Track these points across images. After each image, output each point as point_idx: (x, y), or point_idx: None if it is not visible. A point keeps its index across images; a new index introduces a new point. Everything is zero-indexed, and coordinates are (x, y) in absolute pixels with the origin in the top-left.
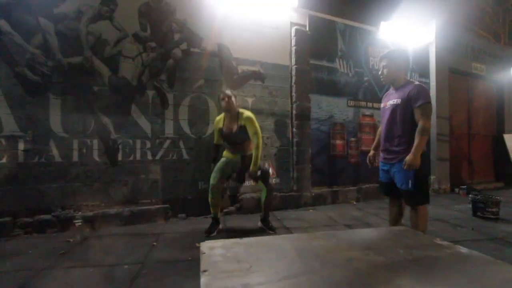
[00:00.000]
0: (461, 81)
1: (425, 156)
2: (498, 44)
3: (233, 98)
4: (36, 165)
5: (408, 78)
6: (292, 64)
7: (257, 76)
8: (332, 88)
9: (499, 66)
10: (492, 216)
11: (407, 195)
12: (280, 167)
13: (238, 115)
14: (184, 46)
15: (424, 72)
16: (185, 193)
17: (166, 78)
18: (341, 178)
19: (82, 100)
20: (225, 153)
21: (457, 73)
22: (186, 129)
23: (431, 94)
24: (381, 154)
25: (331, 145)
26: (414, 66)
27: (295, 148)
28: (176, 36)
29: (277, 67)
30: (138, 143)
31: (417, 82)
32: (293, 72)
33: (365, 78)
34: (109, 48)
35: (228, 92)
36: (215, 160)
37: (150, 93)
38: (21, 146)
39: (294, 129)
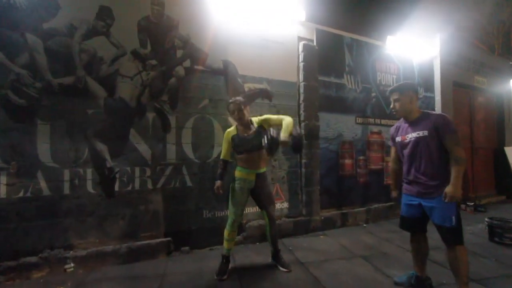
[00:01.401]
0: (463, 95)
1: None
2: (496, 56)
3: (243, 106)
4: (21, 200)
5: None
6: (300, 81)
7: (264, 94)
8: (340, 105)
9: (498, 79)
10: (510, 242)
11: (450, 232)
12: (288, 191)
13: (251, 122)
14: (187, 63)
15: (429, 86)
16: (189, 223)
17: (168, 98)
18: (350, 198)
19: (74, 125)
20: (238, 173)
21: (460, 86)
22: (190, 153)
23: (436, 109)
24: (406, 187)
25: (340, 164)
26: (419, 80)
27: (303, 170)
28: (179, 53)
29: (284, 84)
30: (137, 171)
31: (436, 112)
32: (301, 90)
33: (373, 94)
34: (105, 67)
35: (239, 99)
36: (222, 177)
37: (151, 115)
38: (3, 179)
39: (303, 150)
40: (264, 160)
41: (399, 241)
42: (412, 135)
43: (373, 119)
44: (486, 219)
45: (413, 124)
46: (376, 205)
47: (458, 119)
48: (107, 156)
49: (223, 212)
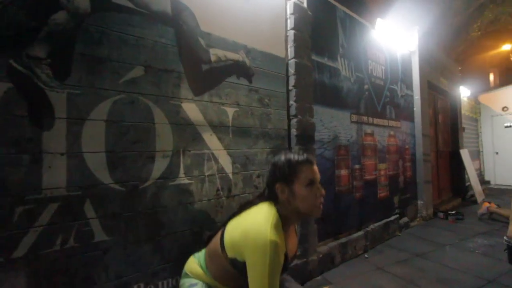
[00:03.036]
0: (431, 96)
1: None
2: (451, 60)
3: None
4: None
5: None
6: (289, 57)
7: (242, 70)
8: (335, 97)
9: (453, 81)
10: None
11: None
12: None
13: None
14: None
15: (409, 84)
16: None
17: (47, 54)
18: (347, 221)
19: None
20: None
21: (431, 87)
22: (102, 173)
23: (415, 110)
24: None
25: (336, 177)
26: (402, 75)
27: None
28: None
29: (269, 58)
30: None
31: None
32: (291, 69)
33: (366, 86)
34: None
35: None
36: None
37: (2, 87)
38: None
39: None
40: None
41: (424, 279)
42: None
43: (366, 118)
44: (505, 238)
45: None
46: (372, 226)
47: (426, 121)
48: None
49: None
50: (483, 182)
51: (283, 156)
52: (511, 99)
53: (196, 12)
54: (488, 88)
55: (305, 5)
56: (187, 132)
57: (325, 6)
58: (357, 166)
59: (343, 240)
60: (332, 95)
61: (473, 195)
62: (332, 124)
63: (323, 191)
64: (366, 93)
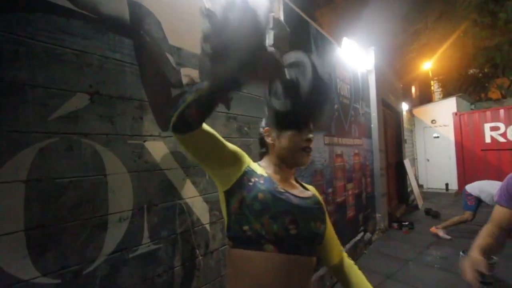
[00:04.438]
0: (383, 112)
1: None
2: (396, 77)
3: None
4: None
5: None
6: None
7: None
8: None
9: (397, 97)
10: (492, 281)
11: None
12: None
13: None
14: None
15: (367, 101)
16: None
17: None
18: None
19: None
20: None
21: (384, 104)
22: (18, 265)
23: (372, 126)
24: None
25: None
26: (362, 93)
27: None
28: None
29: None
30: None
31: None
32: None
33: (336, 106)
34: None
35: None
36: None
37: None
38: None
39: None
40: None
41: None
42: None
43: (336, 138)
44: (461, 253)
45: None
46: (344, 249)
47: (382, 137)
48: None
49: None
50: (418, 186)
51: None
52: (437, 113)
53: (162, 21)
54: (416, 103)
55: (282, 19)
56: (153, 181)
57: (300, 22)
58: (330, 190)
59: (320, 272)
60: None
61: (414, 200)
62: None
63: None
64: (336, 113)
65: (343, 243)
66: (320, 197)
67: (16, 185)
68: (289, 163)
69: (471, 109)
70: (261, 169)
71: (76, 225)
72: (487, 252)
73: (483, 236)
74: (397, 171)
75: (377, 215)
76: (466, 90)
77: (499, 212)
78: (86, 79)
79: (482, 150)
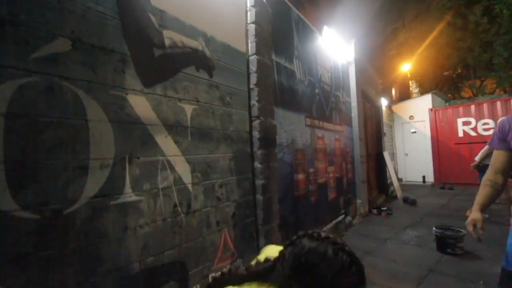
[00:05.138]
0: (363, 104)
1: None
2: (376, 72)
3: None
4: None
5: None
6: (250, 53)
7: (201, 61)
8: (292, 100)
9: (377, 92)
10: (462, 252)
11: None
12: (241, 237)
13: None
14: None
15: (347, 91)
16: None
17: None
18: (305, 226)
19: None
20: None
21: (363, 96)
22: None
23: (352, 115)
24: None
25: (294, 182)
26: (342, 83)
27: (260, 197)
28: None
29: (229, 51)
30: None
31: None
32: (253, 66)
33: (316, 91)
34: None
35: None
36: None
37: None
38: None
39: (258, 164)
40: None
41: (380, 274)
42: None
43: (318, 121)
44: (434, 229)
45: None
46: (325, 228)
47: (362, 126)
48: None
49: None
50: (398, 179)
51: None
52: (415, 110)
53: None
54: (393, 101)
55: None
56: (134, 134)
57: (282, 6)
58: (311, 170)
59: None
60: (289, 97)
61: (393, 191)
62: (290, 127)
63: None
64: (317, 97)
65: (325, 224)
66: None
67: None
68: None
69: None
70: None
71: (56, 165)
72: (486, 205)
73: (481, 192)
74: (377, 162)
75: (358, 201)
76: (441, 89)
77: (493, 156)
78: (68, 24)
79: (455, 144)
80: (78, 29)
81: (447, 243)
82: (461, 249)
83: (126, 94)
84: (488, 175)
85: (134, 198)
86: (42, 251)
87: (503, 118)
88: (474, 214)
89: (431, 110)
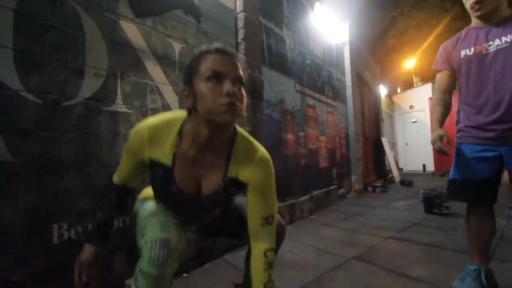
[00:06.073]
0: (359, 87)
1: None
2: (374, 59)
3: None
4: None
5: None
6: (238, 11)
7: (189, 5)
8: (281, 63)
9: (374, 78)
10: (447, 211)
11: None
12: None
13: (234, 142)
14: None
15: (342, 70)
16: None
17: None
18: (294, 185)
19: None
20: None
21: (359, 78)
22: (6, 74)
23: (347, 94)
24: (473, 132)
25: (283, 140)
26: (336, 61)
27: None
28: None
29: (217, 5)
30: None
31: None
32: (240, 23)
33: (307, 62)
34: None
35: (234, 53)
36: (104, 237)
37: None
38: None
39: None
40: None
41: (363, 228)
42: (500, 42)
43: (308, 90)
44: (421, 192)
45: (500, 25)
46: (316, 192)
47: (356, 104)
48: None
49: None
50: (398, 169)
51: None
52: (415, 99)
53: None
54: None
55: None
56: (126, 55)
57: None
58: (301, 134)
59: (291, 202)
60: (279, 61)
61: (392, 177)
62: (279, 88)
63: (232, 88)
64: (308, 68)
65: (316, 188)
66: (256, 172)
67: (6, 12)
68: (211, 121)
69: None
70: (170, 148)
71: (57, 63)
72: (443, 121)
73: (437, 110)
74: (375, 147)
75: (352, 177)
76: None
77: (438, 78)
78: None
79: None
80: None
81: (433, 203)
82: (447, 208)
83: (119, 19)
84: (438, 95)
85: (125, 110)
86: (42, 131)
87: (445, 42)
88: (437, 130)
89: (431, 99)
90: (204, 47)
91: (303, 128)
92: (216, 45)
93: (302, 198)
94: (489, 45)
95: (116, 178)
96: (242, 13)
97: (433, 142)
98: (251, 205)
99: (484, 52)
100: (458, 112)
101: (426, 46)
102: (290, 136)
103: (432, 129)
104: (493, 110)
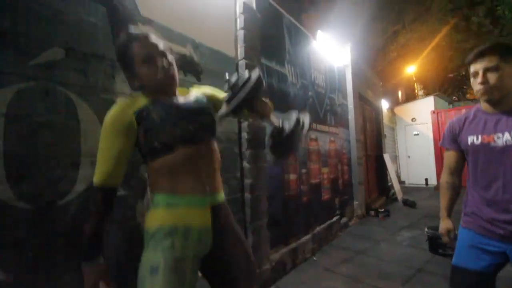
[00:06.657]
0: (361, 106)
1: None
2: (375, 75)
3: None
4: None
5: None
6: (239, 58)
7: (190, 66)
8: (283, 101)
9: (376, 94)
10: (452, 252)
11: None
12: None
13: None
14: None
15: (344, 94)
16: None
17: None
18: (296, 225)
19: None
20: (160, 214)
21: (361, 98)
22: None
23: (349, 117)
24: (480, 223)
25: (285, 181)
26: (338, 85)
27: (248, 196)
28: None
29: (218, 57)
30: None
31: None
32: (241, 70)
33: (310, 93)
34: None
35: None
36: (98, 249)
37: None
38: None
39: (246, 163)
40: (219, 168)
41: (367, 276)
42: (510, 137)
43: (311, 123)
44: (426, 230)
45: (510, 115)
46: (318, 228)
47: (359, 128)
48: None
49: None
50: (400, 182)
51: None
52: (417, 112)
53: None
54: (396, 103)
55: (254, 6)
56: None
57: (273, 12)
58: (304, 171)
59: (293, 245)
60: (280, 100)
61: (394, 193)
62: None
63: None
64: (310, 99)
65: (318, 224)
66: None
67: None
68: (160, 87)
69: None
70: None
71: (51, 161)
72: (451, 208)
73: (444, 196)
74: (377, 164)
75: (355, 202)
76: (445, 91)
77: (446, 156)
78: (62, 35)
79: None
80: (72, 39)
81: (438, 243)
82: (452, 249)
83: (116, 97)
84: (445, 177)
85: (122, 192)
86: (34, 238)
87: (453, 119)
88: (446, 222)
89: (434, 112)
90: (120, 40)
91: (305, 164)
92: (126, 35)
93: (304, 238)
94: (498, 137)
95: (97, 178)
96: (244, 60)
97: (441, 235)
98: (217, 101)
99: (493, 144)
100: (466, 194)
101: (427, 54)
102: (292, 176)
103: (441, 218)
104: (504, 210)
